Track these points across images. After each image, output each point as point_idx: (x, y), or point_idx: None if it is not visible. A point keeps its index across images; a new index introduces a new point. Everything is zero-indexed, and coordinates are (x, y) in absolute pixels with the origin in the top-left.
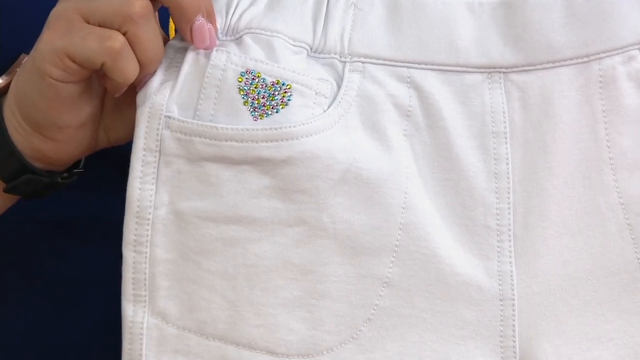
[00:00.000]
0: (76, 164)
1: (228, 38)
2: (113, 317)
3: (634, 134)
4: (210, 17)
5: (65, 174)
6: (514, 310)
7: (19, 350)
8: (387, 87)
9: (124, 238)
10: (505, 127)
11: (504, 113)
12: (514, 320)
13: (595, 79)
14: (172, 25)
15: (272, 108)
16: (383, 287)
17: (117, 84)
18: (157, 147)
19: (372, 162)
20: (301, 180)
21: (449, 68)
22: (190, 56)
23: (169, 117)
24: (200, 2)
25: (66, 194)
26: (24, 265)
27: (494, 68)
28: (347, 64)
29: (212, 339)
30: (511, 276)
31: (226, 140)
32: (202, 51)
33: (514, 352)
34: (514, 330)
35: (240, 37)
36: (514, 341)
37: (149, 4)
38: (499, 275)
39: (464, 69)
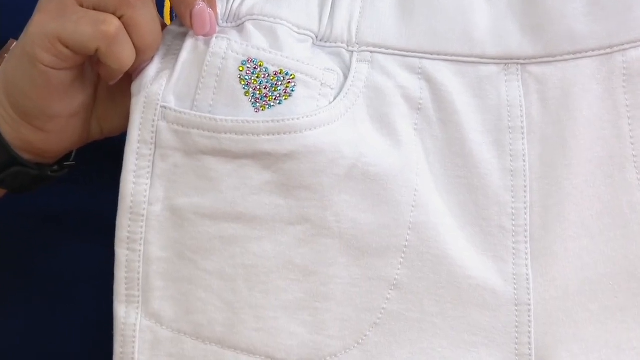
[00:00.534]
0: (67, 157)
1: (229, 24)
2: (105, 314)
3: None
4: (211, 2)
5: (55, 167)
6: (529, 316)
7: (10, 348)
8: (397, 79)
9: (116, 235)
10: (522, 122)
11: (521, 107)
12: (529, 327)
13: (618, 72)
14: (167, 10)
15: (275, 99)
16: (391, 289)
17: (112, 71)
18: (152, 139)
19: (380, 157)
20: (304, 175)
21: (463, 59)
22: (189, 43)
23: (165, 107)
24: None
25: (56, 188)
26: (12, 260)
27: (511, 59)
28: (355, 54)
29: (208, 343)
30: (527, 280)
31: (225, 133)
32: (201, 38)
33: None
34: (529, 337)
35: (242, 23)
36: (529, 349)
37: None
38: (514, 279)
39: (479, 59)
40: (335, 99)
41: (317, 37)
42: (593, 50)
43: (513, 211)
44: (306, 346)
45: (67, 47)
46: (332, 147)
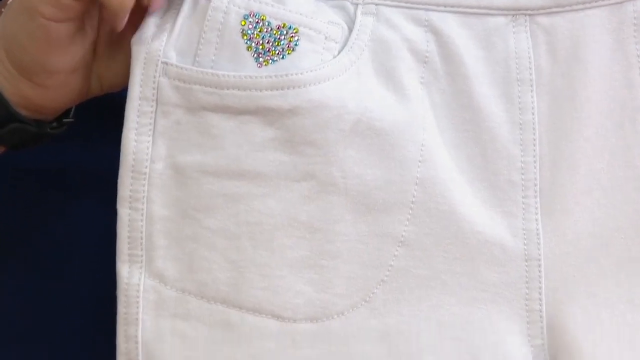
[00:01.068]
0: (66, 113)
1: None
2: (107, 275)
3: None
4: None
5: (54, 124)
6: (540, 272)
7: (8, 310)
8: (402, 31)
9: (118, 194)
10: (530, 74)
11: (529, 59)
12: (540, 282)
13: (629, 22)
14: None
15: (278, 54)
16: (398, 246)
17: (115, 11)
18: (153, 96)
19: (386, 112)
20: (309, 131)
21: (471, 10)
22: None
23: (166, 63)
24: None
25: (54, 145)
26: (10, 218)
27: (519, 10)
28: (360, 6)
29: (213, 302)
30: (537, 235)
31: (228, 89)
32: None
33: (540, 316)
34: (540, 293)
35: None
36: (540, 305)
37: None
38: (524, 234)
39: (487, 11)
40: (339, 52)
41: None
42: (603, 0)
43: (522, 165)
44: (313, 304)
45: None
46: (336, 101)
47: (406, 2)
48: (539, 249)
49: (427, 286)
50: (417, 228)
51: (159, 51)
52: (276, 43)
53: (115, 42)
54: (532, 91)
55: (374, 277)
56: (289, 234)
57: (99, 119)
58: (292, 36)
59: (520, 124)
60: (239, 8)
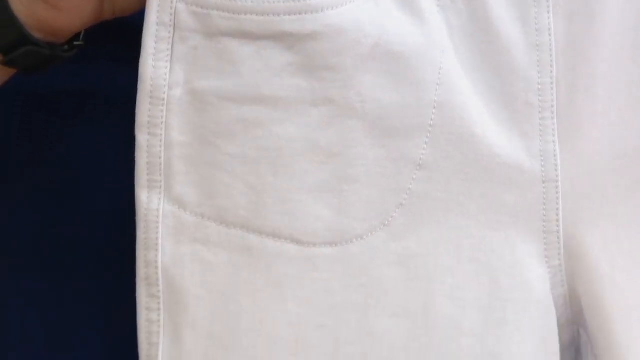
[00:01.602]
0: (76, 37)
1: None
2: (120, 205)
3: None
4: None
5: (66, 47)
6: (557, 193)
7: (15, 245)
8: None
9: (136, 120)
10: None
11: None
12: (557, 204)
13: None
14: None
15: None
16: (416, 170)
17: None
18: (171, 21)
19: (404, 36)
20: (327, 56)
21: None
22: None
23: None
24: None
25: (67, 68)
26: (20, 145)
27: None
28: None
29: (232, 227)
30: (555, 156)
31: (246, 14)
32: None
33: (558, 238)
34: (557, 215)
35: None
36: (557, 226)
37: None
38: (542, 156)
39: None
40: None
41: None
42: None
43: (539, 87)
44: (332, 229)
45: None
46: (354, 25)
47: None
48: (556, 170)
49: (446, 209)
50: (435, 151)
51: None
52: None
53: None
54: (548, 12)
55: (392, 200)
56: (308, 159)
57: (113, 43)
58: None
59: (537, 46)
60: None
